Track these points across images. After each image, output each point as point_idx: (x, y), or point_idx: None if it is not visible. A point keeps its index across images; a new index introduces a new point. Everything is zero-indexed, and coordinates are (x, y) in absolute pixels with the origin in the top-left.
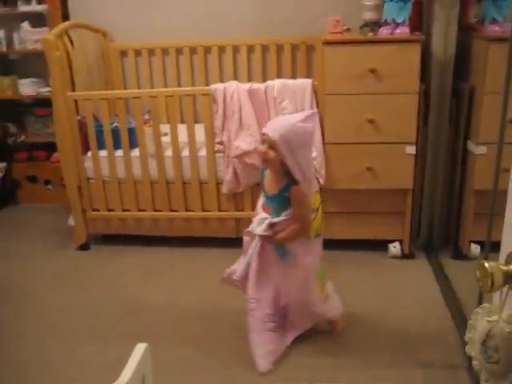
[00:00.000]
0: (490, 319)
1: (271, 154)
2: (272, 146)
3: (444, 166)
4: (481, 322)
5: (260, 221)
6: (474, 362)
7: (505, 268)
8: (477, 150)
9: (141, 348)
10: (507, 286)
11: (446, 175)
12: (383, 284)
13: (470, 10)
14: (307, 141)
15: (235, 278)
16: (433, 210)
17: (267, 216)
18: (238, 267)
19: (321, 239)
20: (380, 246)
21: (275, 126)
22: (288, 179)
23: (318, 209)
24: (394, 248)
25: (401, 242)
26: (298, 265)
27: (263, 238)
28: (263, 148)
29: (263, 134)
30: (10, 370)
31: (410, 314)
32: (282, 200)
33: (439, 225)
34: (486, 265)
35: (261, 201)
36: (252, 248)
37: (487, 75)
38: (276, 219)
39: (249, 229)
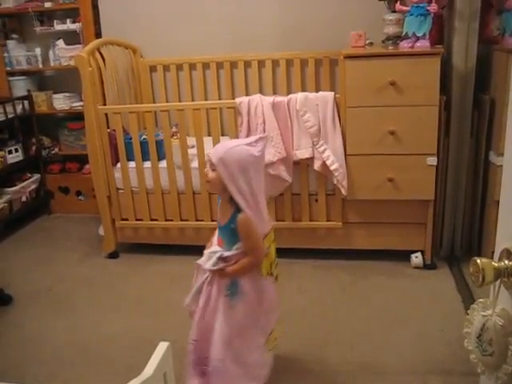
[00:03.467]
0: (484, 313)
1: (210, 174)
2: (212, 167)
3: (466, 177)
4: (477, 316)
5: (209, 255)
6: (472, 356)
7: (496, 264)
8: (498, 160)
9: (163, 346)
10: (499, 281)
11: (468, 186)
12: (405, 294)
13: (491, 22)
14: (251, 165)
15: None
16: (455, 221)
17: (218, 249)
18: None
19: (272, 280)
20: (402, 256)
21: (218, 148)
22: (234, 208)
23: (269, 247)
24: (416, 258)
25: (423, 252)
26: (245, 306)
27: (214, 273)
28: (206, 169)
29: (209, 163)
30: (49, 369)
31: (430, 322)
32: (231, 232)
33: (461, 235)
34: (478, 261)
35: (217, 232)
36: (201, 280)
37: (508, 87)
38: (227, 253)
39: (199, 261)
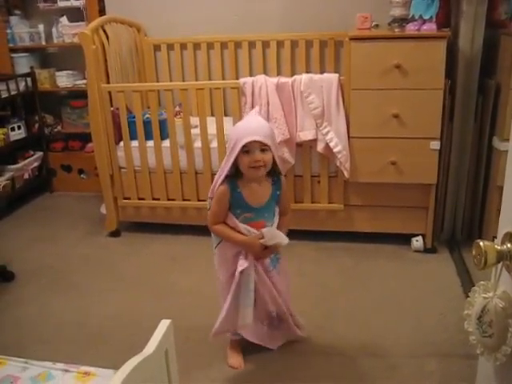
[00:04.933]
0: (485, 296)
1: (267, 157)
2: (264, 148)
3: (468, 162)
4: (478, 298)
5: (273, 232)
6: (471, 337)
7: (499, 247)
8: (501, 146)
9: (165, 324)
10: (501, 264)
11: (471, 171)
12: (405, 277)
13: (499, 6)
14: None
15: (239, 332)
16: (456, 206)
17: (269, 227)
18: (237, 317)
19: None
20: (403, 239)
21: (260, 129)
22: (272, 177)
23: None
24: (417, 242)
25: (424, 236)
26: (283, 268)
27: (265, 253)
28: (258, 156)
29: (253, 143)
30: (50, 346)
31: (430, 306)
32: (275, 201)
33: (462, 220)
34: (481, 244)
35: (241, 224)
36: (249, 282)
37: None
38: (275, 224)
39: (266, 243)
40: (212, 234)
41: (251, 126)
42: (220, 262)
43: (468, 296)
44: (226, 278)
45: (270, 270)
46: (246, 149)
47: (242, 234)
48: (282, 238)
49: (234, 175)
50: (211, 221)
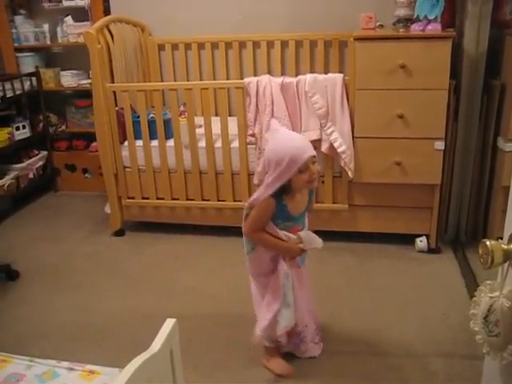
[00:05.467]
0: (491, 295)
1: (318, 167)
2: (314, 161)
3: (473, 162)
4: (484, 298)
5: (310, 236)
6: (477, 337)
7: (505, 247)
8: (506, 146)
9: (170, 323)
10: (507, 263)
11: (475, 171)
12: (409, 277)
13: (504, 6)
14: None
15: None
16: (461, 206)
17: (305, 230)
18: (277, 320)
19: None
20: (407, 239)
21: (307, 145)
22: None
23: None
24: (421, 242)
25: (428, 236)
26: (306, 265)
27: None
28: (315, 169)
29: (313, 157)
30: (54, 344)
31: (433, 306)
32: (309, 204)
33: (467, 220)
34: (488, 243)
35: (280, 231)
36: (289, 282)
37: None
38: (306, 225)
39: (305, 247)
40: (244, 240)
41: (298, 142)
42: (255, 267)
43: (472, 296)
44: (263, 282)
45: (300, 266)
46: (303, 167)
47: (281, 239)
48: (318, 243)
49: (282, 190)
50: (251, 228)
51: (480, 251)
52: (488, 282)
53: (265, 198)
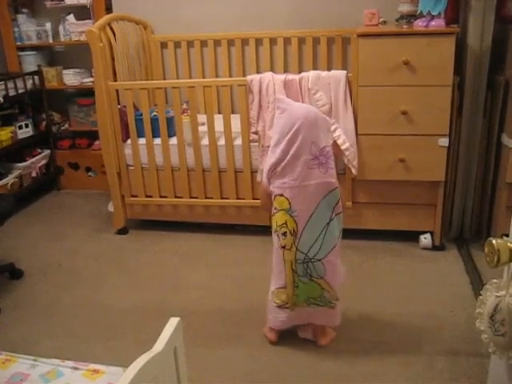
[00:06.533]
0: (498, 294)
1: None
2: None
3: (477, 159)
4: (490, 297)
5: None
6: (483, 336)
7: None
8: (510, 142)
9: (174, 322)
10: None
11: (479, 168)
12: (413, 275)
13: (508, 1)
14: None
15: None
16: (465, 203)
17: None
18: None
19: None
20: (411, 236)
21: None
22: None
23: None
24: (425, 239)
25: (432, 233)
26: None
27: None
28: None
29: None
30: (59, 343)
31: (438, 303)
32: None
33: (471, 217)
34: (494, 242)
35: None
36: None
37: None
38: None
39: None
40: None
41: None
42: None
43: (477, 294)
44: None
45: None
46: None
47: None
48: None
49: None
50: None
51: (486, 250)
52: (494, 280)
53: None
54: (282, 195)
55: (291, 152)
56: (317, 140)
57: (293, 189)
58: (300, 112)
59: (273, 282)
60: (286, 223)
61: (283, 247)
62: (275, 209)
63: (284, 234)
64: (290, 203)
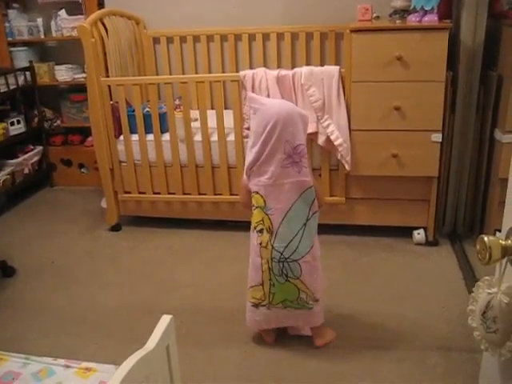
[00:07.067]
0: (489, 291)
1: None
2: None
3: (470, 154)
4: (482, 294)
5: None
6: (476, 333)
7: (504, 242)
8: (503, 138)
9: (166, 319)
10: (505, 259)
11: (472, 163)
12: (407, 270)
13: None
14: None
15: None
16: (458, 198)
17: None
18: None
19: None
20: (405, 232)
21: None
22: None
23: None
24: (419, 235)
25: (425, 229)
26: None
27: None
28: None
29: None
30: (52, 341)
31: (431, 299)
32: None
33: (464, 213)
34: (485, 239)
35: None
36: None
37: None
38: None
39: None
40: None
41: None
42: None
43: (470, 290)
44: None
45: None
46: None
47: None
48: None
49: None
50: None
51: (478, 247)
52: (486, 277)
53: None
54: (257, 193)
55: (266, 151)
56: (290, 138)
57: (267, 187)
58: (272, 110)
59: (249, 280)
60: (262, 220)
61: (260, 244)
62: (253, 206)
63: (261, 231)
64: (264, 201)
